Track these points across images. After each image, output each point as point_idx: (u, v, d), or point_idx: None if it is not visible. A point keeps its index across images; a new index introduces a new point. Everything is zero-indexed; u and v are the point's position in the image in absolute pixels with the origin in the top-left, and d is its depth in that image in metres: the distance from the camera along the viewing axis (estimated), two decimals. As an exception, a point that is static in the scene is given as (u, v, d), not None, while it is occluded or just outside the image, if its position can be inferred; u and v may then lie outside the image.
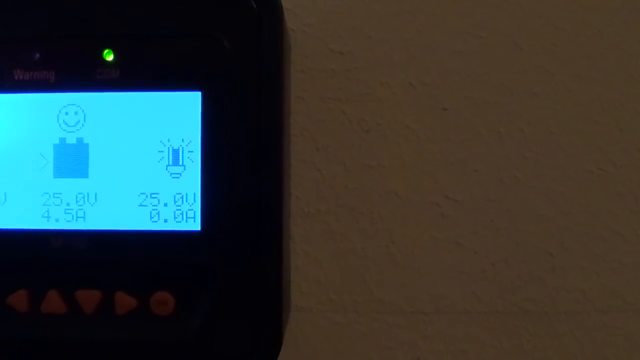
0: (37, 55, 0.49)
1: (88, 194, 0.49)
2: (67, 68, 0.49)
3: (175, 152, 0.49)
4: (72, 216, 0.49)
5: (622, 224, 0.60)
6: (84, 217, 0.49)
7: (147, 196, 0.49)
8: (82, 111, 0.49)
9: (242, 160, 0.49)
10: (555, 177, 0.59)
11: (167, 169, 0.49)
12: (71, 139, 0.49)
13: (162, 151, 0.49)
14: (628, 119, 0.60)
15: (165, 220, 0.49)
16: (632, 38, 0.60)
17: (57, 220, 0.49)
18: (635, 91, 0.60)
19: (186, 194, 0.49)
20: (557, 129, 0.59)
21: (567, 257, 0.60)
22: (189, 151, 0.49)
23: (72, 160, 0.49)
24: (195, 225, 0.49)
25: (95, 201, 0.49)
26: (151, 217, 0.49)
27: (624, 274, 0.60)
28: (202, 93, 0.49)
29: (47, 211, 0.49)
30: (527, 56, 0.60)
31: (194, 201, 0.49)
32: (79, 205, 0.49)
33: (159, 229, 0.49)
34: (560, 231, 0.60)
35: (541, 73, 0.60)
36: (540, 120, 0.59)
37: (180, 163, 0.49)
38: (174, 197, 0.49)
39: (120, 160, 0.49)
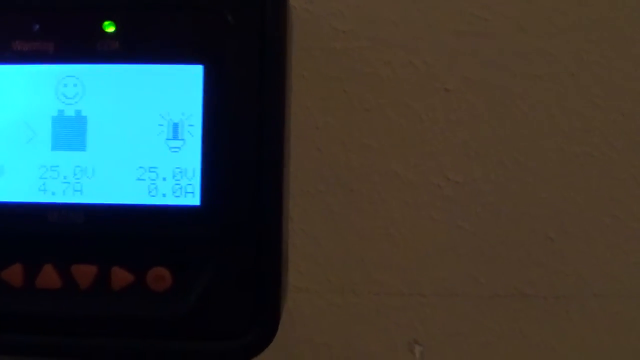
0: (37, 26, 0.49)
1: (86, 167, 0.49)
2: (67, 39, 0.49)
3: (175, 126, 0.48)
4: (70, 190, 0.49)
5: (623, 208, 0.60)
6: (81, 191, 0.49)
7: (145, 170, 0.48)
8: (81, 83, 0.49)
9: (243, 135, 0.48)
10: (556, 160, 0.59)
11: (166, 142, 0.48)
12: (70, 112, 0.49)
13: (161, 125, 0.48)
14: (630, 103, 0.59)
15: (164, 195, 0.48)
16: (635, 22, 0.59)
17: (54, 193, 0.49)
18: (637, 75, 0.59)
19: (185, 168, 0.48)
20: (558, 112, 0.59)
21: (567, 241, 0.60)
22: (189, 125, 0.48)
23: (70, 133, 0.49)
24: (194, 200, 0.48)
25: (93, 175, 0.49)
26: (149, 192, 0.48)
27: (623, 259, 0.60)
28: (203, 66, 0.48)
29: (44, 184, 0.49)
30: (530, 39, 0.59)
31: (194, 176, 0.48)
32: (76, 179, 0.49)
33: (157, 204, 0.48)
34: (561, 215, 0.59)
35: (544, 56, 0.59)
36: (542, 102, 0.59)
37: (180, 137, 0.48)
38: (173, 172, 0.48)
39: (119, 133, 0.49)
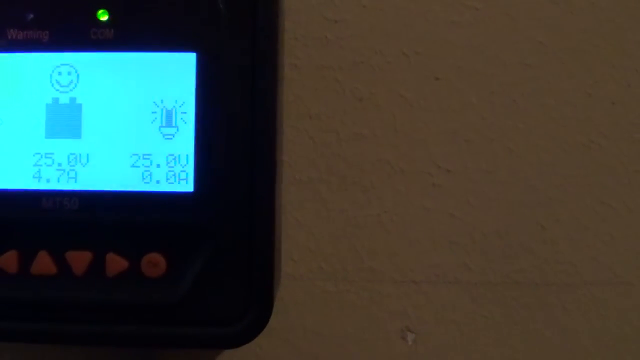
0: (31, 14, 0.49)
1: (80, 154, 0.49)
2: (61, 28, 0.49)
3: (169, 113, 0.49)
4: (64, 177, 0.49)
5: (613, 196, 0.60)
6: (75, 178, 0.49)
7: (139, 157, 0.49)
8: (76, 71, 0.49)
9: (236, 122, 0.49)
10: (547, 149, 0.60)
11: (160, 130, 0.49)
12: (64, 99, 0.49)
13: (155, 112, 0.49)
14: (620, 92, 0.60)
15: (158, 182, 0.49)
16: (624, 11, 0.60)
17: (48, 180, 0.49)
18: (627, 64, 0.60)
19: (179, 155, 0.49)
20: (549, 101, 0.60)
21: (559, 229, 0.60)
22: (182, 112, 0.49)
23: (64, 120, 0.49)
24: (187, 186, 0.49)
25: (87, 162, 0.49)
26: (143, 178, 0.49)
27: (614, 247, 0.60)
28: (197, 54, 0.48)
29: (39, 171, 0.49)
30: (520, 28, 0.60)
31: (187, 162, 0.48)
32: (70, 166, 0.49)
33: (151, 190, 0.49)
34: (552, 203, 0.60)
35: (534, 45, 0.60)
36: (533, 91, 0.60)
37: (174, 124, 0.49)
38: (167, 158, 0.49)
39: (113, 120, 0.49)
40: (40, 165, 0.49)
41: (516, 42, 0.60)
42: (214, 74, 0.49)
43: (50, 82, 0.49)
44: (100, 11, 0.49)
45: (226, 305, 0.50)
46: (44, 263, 0.49)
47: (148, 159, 0.49)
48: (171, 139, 0.49)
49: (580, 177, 0.60)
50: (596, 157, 0.60)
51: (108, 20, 0.49)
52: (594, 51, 0.60)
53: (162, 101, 0.49)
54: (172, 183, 0.49)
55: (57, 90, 0.49)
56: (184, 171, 0.49)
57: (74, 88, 0.49)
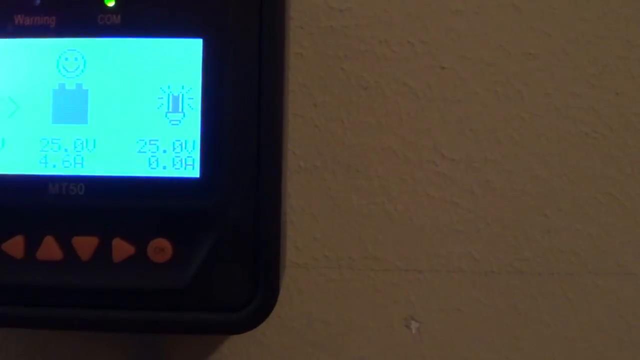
0: (38, 0, 0.49)
1: (87, 140, 0.49)
2: (68, 13, 0.49)
3: (175, 99, 0.49)
4: (70, 162, 0.49)
5: (617, 187, 0.60)
6: (82, 163, 0.49)
7: (146, 142, 0.49)
8: (82, 57, 0.49)
9: (242, 108, 0.49)
10: (551, 139, 0.60)
11: (166, 115, 0.49)
12: (71, 85, 0.49)
13: (162, 98, 0.49)
14: (624, 83, 0.60)
15: (164, 167, 0.49)
16: (629, 2, 0.60)
17: (54, 166, 0.49)
18: (631, 55, 0.60)
19: (185, 141, 0.49)
20: (553, 91, 0.60)
21: (562, 219, 0.60)
22: (189, 98, 0.49)
23: (71, 106, 0.49)
24: (194, 172, 0.49)
25: (94, 147, 0.49)
26: (150, 164, 0.49)
27: (617, 237, 0.60)
28: (203, 40, 0.49)
29: (45, 157, 0.49)
30: (525, 18, 0.60)
31: (193, 148, 0.49)
32: (77, 151, 0.49)
33: (157, 176, 0.49)
34: (556, 192, 0.60)
35: (539, 35, 0.60)
36: (537, 81, 0.60)
37: (180, 110, 0.49)
38: (173, 144, 0.49)
39: (119, 106, 0.49)
40: (47, 151, 0.49)
41: (521, 32, 0.60)
42: (221, 60, 0.49)
43: (57, 67, 0.49)
44: (108, -3, 0.49)
45: (231, 292, 0.50)
46: (50, 248, 0.49)
47: (154, 144, 0.49)
48: (177, 124, 0.49)
49: (583, 167, 0.60)
50: (600, 147, 0.60)
51: (115, 5, 0.49)
52: (598, 42, 0.60)
53: (168, 87, 0.49)
54: (179, 169, 0.49)
55: (64, 75, 0.49)
56: (190, 157, 0.49)
57: (80, 74, 0.49)
